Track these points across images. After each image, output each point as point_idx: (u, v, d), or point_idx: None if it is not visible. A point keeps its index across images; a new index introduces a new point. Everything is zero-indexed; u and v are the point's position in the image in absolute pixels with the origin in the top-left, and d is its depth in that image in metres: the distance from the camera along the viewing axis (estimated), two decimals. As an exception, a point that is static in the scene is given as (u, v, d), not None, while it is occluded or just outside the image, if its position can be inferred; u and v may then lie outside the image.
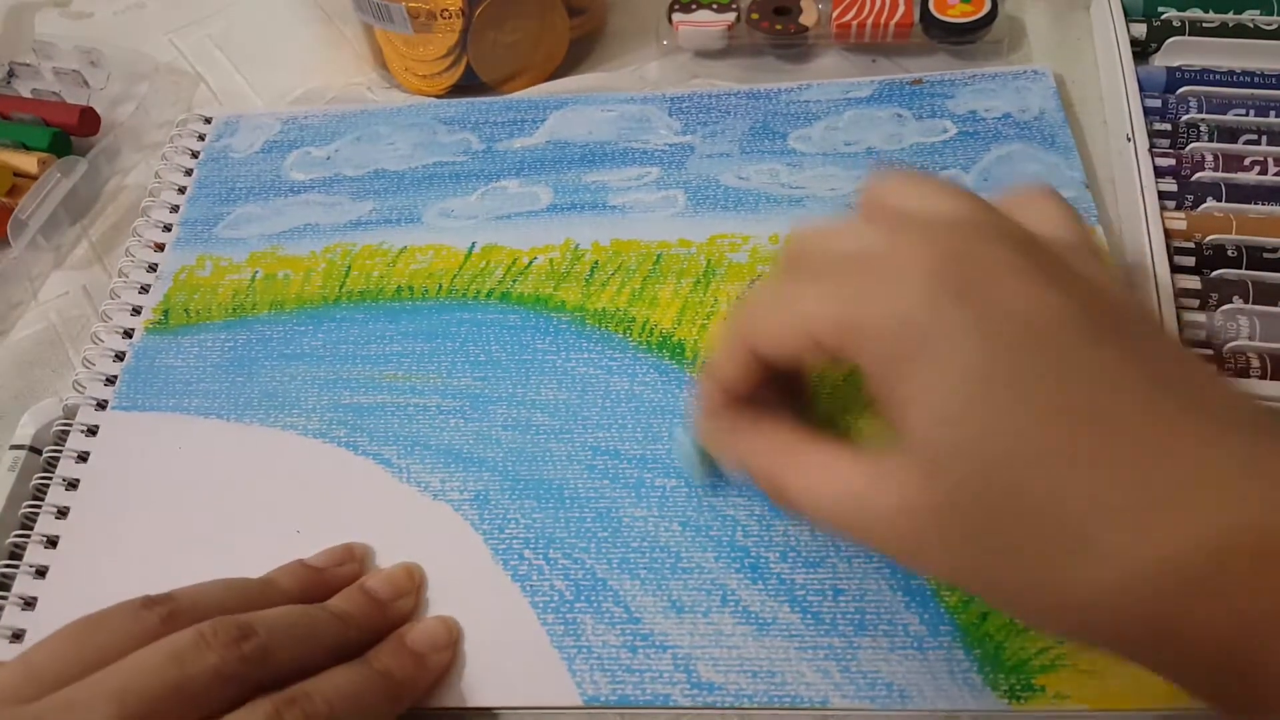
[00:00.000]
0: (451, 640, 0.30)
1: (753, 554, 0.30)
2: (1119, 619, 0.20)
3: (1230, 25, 0.41)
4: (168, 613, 0.26)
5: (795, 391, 0.28)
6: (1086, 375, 0.20)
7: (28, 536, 0.33)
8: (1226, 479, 0.19)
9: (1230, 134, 0.38)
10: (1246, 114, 0.38)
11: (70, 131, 0.45)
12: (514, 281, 0.38)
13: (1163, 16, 0.42)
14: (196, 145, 0.45)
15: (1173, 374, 0.21)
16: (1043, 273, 0.22)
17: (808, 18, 0.44)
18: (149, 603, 0.27)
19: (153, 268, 0.41)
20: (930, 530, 0.21)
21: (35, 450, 0.36)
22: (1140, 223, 0.35)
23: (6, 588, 0.33)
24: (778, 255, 0.26)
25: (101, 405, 0.36)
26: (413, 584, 0.31)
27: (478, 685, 0.29)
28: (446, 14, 0.42)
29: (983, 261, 0.22)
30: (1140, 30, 0.41)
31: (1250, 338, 0.32)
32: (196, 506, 0.34)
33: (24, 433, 0.36)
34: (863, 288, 0.22)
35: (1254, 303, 0.33)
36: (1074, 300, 0.21)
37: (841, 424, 0.32)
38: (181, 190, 0.43)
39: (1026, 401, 0.20)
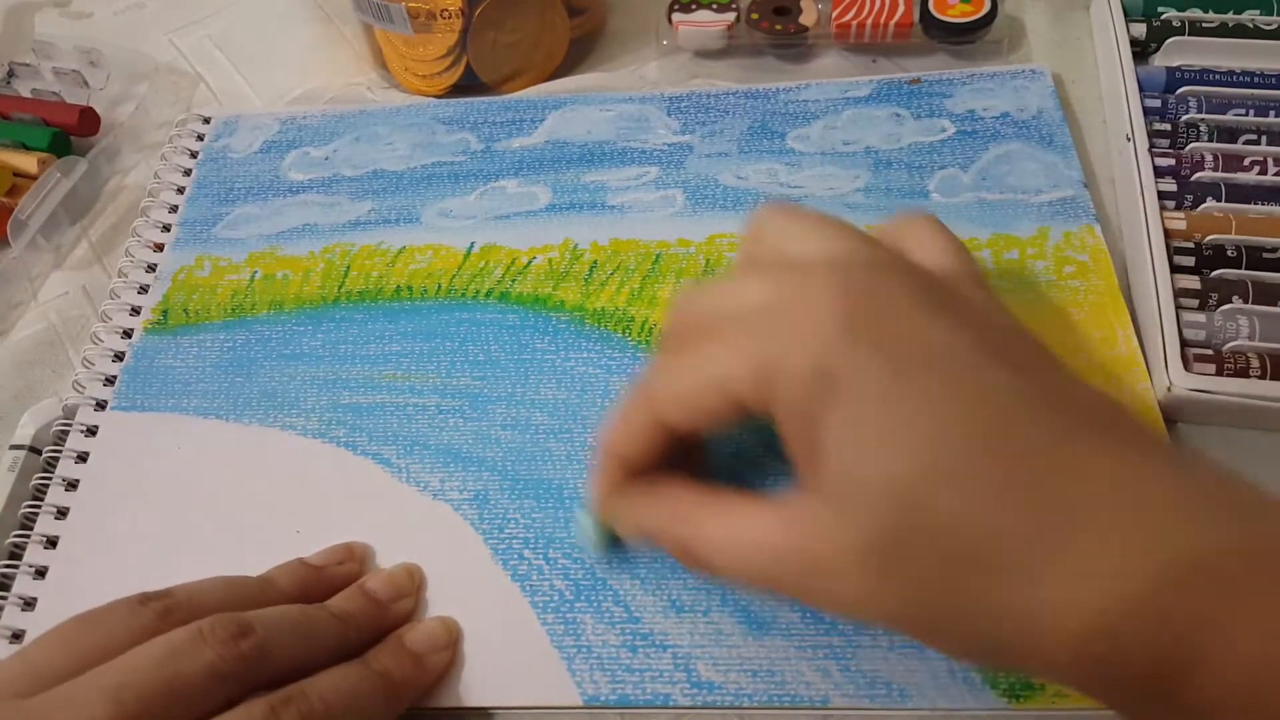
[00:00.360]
0: (451, 641, 0.30)
1: (752, 553, 0.30)
2: (1053, 648, 0.20)
3: (1230, 25, 0.41)
4: (164, 609, 0.26)
5: (688, 453, 0.28)
6: (988, 398, 0.21)
7: (28, 537, 0.33)
8: (1152, 505, 0.20)
9: (1230, 134, 0.38)
10: (1246, 114, 0.38)
11: (70, 131, 0.45)
12: (513, 281, 0.38)
13: (1162, 16, 0.42)
14: (195, 145, 0.45)
15: (1070, 395, 0.22)
16: (937, 304, 0.22)
17: (807, 18, 0.44)
18: (146, 599, 0.27)
19: (152, 268, 0.41)
20: (853, 571, 0.21)
21: (35, 450, 0.36)
22: (1140, 222, 0.35)
23: (6, 588, 0.33)
24: (662, 327, 0.26)
25: (101, 405, 0.36)
26: (413, 585, 0.31)
27: (477, 685, 0.29)
28: (446, 14, 0.42)
29: (883, 299, 0.22)
30: (1140, 30, 0.41)
31: (1250, 338, 0.32)
32: (196, 507, 0.34)
33: (24, 433, 0.36)
34: (774, 338, 0.22)
35: (1254, 303, 0.33)
36: (969, 329, 0.22)
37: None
38: (180, 190, 0.43)
39: (934, 430, 0.21)
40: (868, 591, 0.22)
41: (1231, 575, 0.19)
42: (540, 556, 0.31)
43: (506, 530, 0.32)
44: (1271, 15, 0.41)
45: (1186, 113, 0.39)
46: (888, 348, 0.21)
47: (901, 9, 0.43)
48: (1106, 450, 0.20)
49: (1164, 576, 0.19)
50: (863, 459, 0.21)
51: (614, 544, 0.31)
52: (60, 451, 0.35)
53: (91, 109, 0.46)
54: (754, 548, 0.23)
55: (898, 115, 0.41)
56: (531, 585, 0.31)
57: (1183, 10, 0.42)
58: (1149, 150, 0.37)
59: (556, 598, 0.30)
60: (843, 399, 0.21)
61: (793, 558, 0.22)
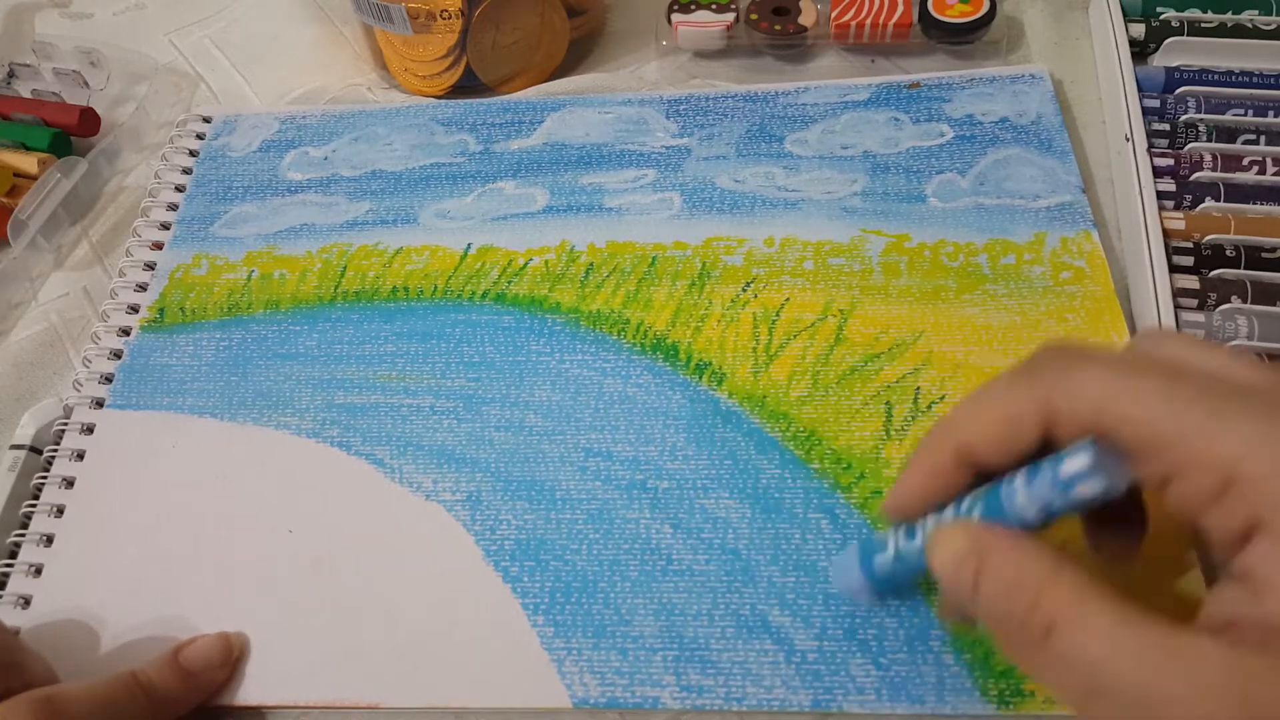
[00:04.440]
0: (229, 660, 0.30)
1: (743, 556, 0.30)
2: None
3: (1229, 25, 0.41)
4: None
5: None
6: None
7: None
8: None
9: (1229, 134, 0.38)
10: (1245, 114, 0.38)
11: (70, 132, 0.45)
12: (509, 283, 0.38)
13: (1161, 17, 0.42)
14: (196, 145, 0.45)
15: None
16: None
17: (806, 18, 0.44)
18: None
19: (150, 266, 0.41)
20: None
21: (36, 450, 0.36)
22: (1139, 223, 0.35)
23: (5, 586, 0.33)
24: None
25: (98, 403, 0.37)
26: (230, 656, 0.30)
27: (467, 686, 0.29)
28: (446, 15, 0.42)
29: None
30: (1139, 30, 0.41)
31: (1249, 338, 0.32)
32: (189, 506, 0.34)
33: (24, 433, 0.36)
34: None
35: (1252, 302, 0.33)
36: None
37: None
38: (180, 189, 0.43)
39: None
40: None
41: None
42: (532, 558, 0.31)
43: (499, 532, 0.32)
44: (1270, 15, 0.41)
45: (1185, 113, 0.38)
46: None
47: (900, 9, 0.43)
48: None
49: None
50: None
51: (900, 573, 0.25)
52: (57, 450, 0.35)
53: (92, 109, 0.46)
54: (1174, 674, 0.18)
55: (896, 119, 0.41)
56: (523, 587, 0.31)
57: (1182, 10, 0.42)
58: (1148, 150, 0.37)
59: (548, 600, 0.30)
60: None
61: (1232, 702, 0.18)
